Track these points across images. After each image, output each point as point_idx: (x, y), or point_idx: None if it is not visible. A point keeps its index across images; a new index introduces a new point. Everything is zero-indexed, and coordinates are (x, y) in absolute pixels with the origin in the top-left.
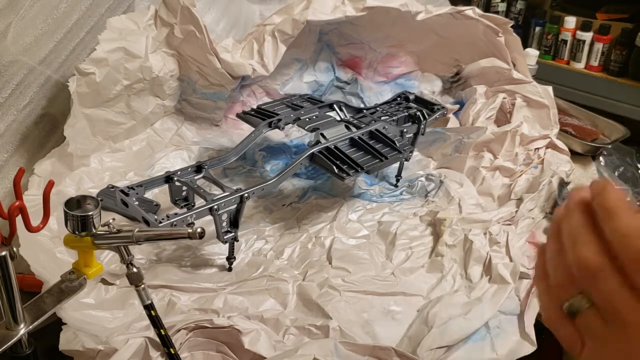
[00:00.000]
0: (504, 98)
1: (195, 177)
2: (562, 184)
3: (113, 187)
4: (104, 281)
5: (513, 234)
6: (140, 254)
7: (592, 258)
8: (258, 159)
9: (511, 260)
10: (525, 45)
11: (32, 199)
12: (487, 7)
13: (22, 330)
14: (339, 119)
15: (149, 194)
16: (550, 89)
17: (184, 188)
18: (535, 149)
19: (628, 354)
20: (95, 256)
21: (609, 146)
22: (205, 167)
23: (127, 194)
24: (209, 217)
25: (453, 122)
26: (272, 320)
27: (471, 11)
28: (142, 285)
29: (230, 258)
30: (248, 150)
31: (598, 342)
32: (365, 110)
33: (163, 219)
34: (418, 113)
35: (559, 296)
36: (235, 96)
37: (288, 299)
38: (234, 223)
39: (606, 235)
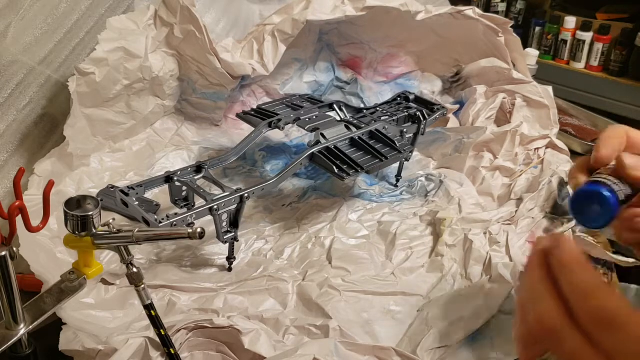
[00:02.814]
0: (504, 98)
1: (195, 177)
2: (562, 184)
3: (113, 187)
4: (104, 281)
5: (513, 233)
6: (140, 254)
7: (551, 316)
8: (258, 159)
9: (511, 260)
10: (525, 45)
11: (32, 199)
12: (487, 7)
13: (22, 330)
14: (339, 119)
15: (149, 194)
16: (550, 89)
17: (184, 188)
18: (535, 149)
19: None
20: (95, 256)
21: None
22: (205, 167)
23: (127, 194)
24: (209, 217)
25: (453, 122)
26: (272, 320)
27: (471, 11)
28: (142, 285)
29: (230, 258)
30: (248, 150)
31: None
32: (365, 110)
33: (163, 219)
34: (418, 113)
35: (530, 350)
36: (235, 96)
37: (288, 299)
38: (234, 223)
39: (563, 291)
